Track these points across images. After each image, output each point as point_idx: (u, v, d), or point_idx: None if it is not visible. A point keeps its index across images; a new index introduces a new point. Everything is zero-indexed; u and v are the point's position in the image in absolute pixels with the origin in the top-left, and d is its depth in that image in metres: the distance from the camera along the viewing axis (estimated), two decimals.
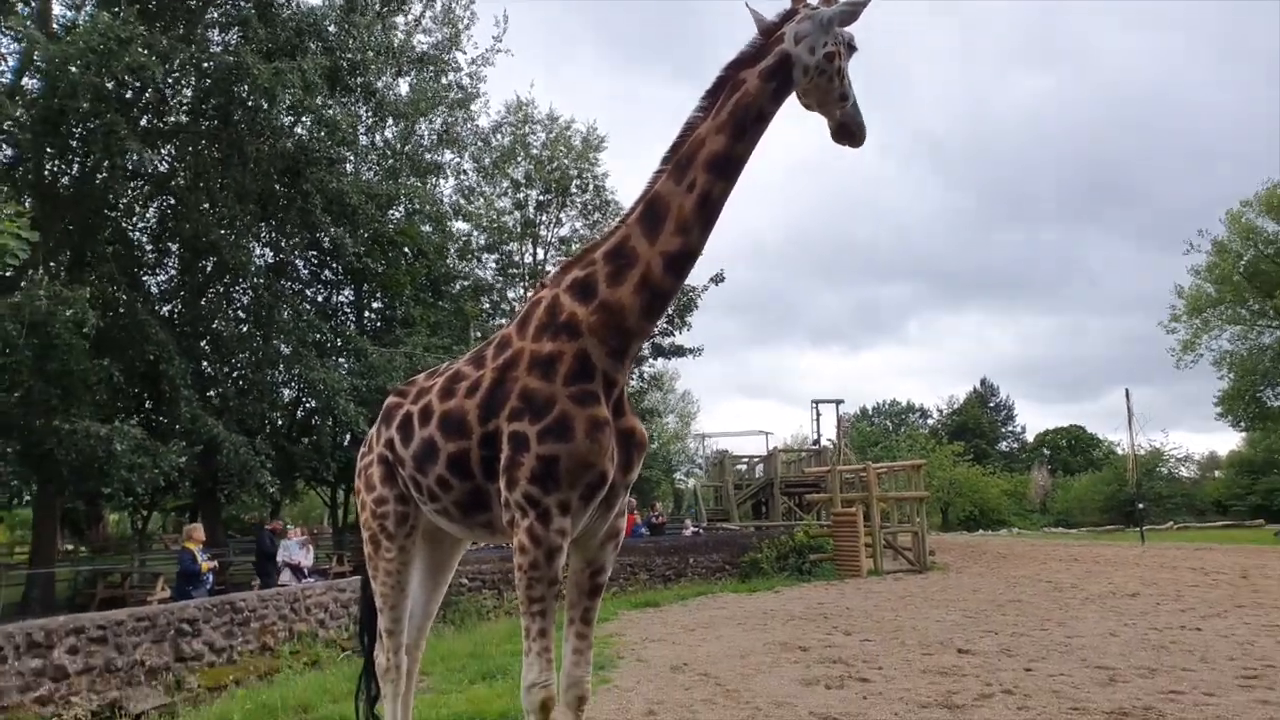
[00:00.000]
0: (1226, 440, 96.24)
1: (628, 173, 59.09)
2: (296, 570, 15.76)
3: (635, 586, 17.61)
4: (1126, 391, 38.44)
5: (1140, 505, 39.84)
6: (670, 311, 26.52)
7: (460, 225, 32.05)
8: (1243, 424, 48.57)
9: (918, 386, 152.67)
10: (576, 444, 3.76)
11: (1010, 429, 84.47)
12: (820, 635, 10.71)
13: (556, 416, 3.78)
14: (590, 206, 33.31)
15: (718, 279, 30.62)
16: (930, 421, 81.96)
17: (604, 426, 3.85)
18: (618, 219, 4.35)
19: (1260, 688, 7.31)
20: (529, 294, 28.76)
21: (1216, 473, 68.58)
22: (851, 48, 3.70)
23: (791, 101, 3.76)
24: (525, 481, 3.78)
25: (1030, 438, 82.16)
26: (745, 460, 36.21)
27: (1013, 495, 61.39)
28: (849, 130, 3.79)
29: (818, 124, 3.84)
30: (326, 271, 27.04)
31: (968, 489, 55.70)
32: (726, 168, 3.72)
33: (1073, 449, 75.62)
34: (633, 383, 29.74)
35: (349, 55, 20.99)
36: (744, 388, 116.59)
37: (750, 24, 3.88)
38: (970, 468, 57.82)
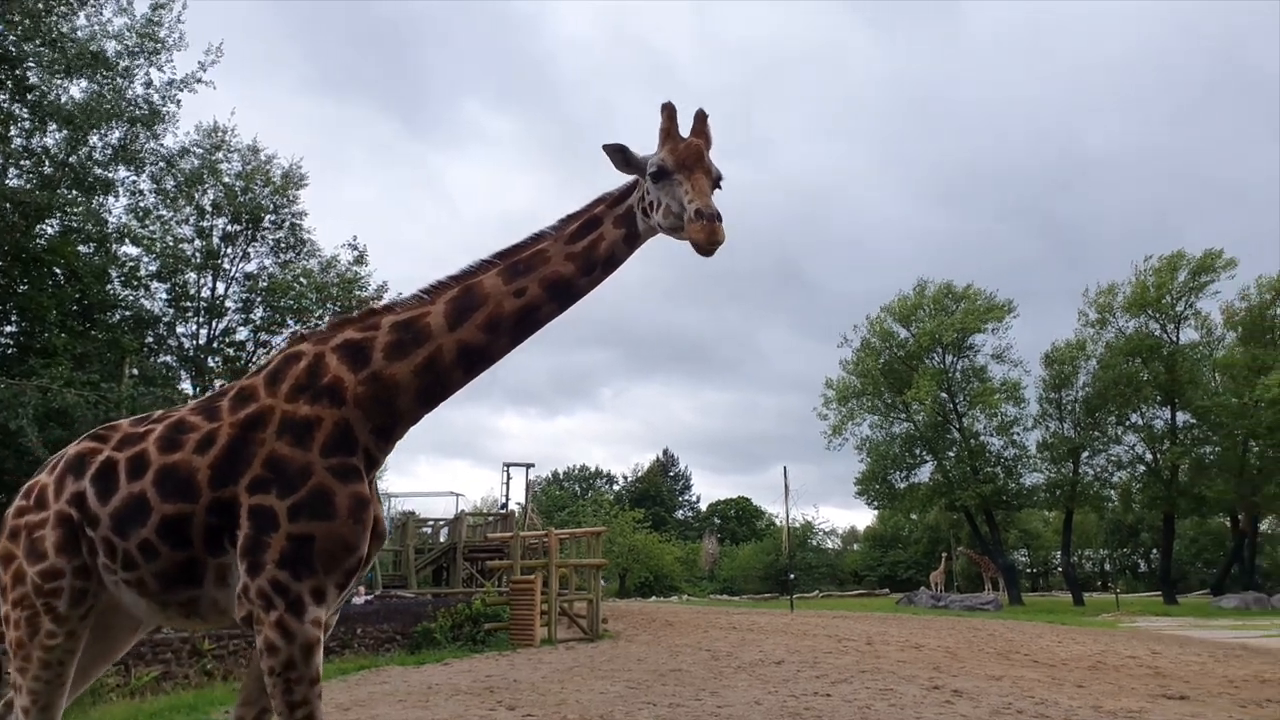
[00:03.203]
0: (864, 516, 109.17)
1: (322, 203, 56.54)
2: None
3: None
4: (785, 469, 42.52)
5: (792, 575, 43.70)
6: None
7: (129, 249, 28.75)
8: (875, 503, 55.16)
9: (607, 453, 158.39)
10: (337, 523, 3.36)
11: (687, 498, 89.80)
12: (483, 711, 10.45)
13: (312, 490, 3.37)
14: (285, 244, 31.32)
15: None
16: (616, 487, 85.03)
17: (367, 506, 3.48)
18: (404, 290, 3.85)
19: None
20: (200, 329, 25.85)
21: (855, 545, 77.30)
22: (654, 176, 3.53)
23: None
24: (273, 566, 3.31)
25: (704, 507, 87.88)
26: (430, 523, 35.23)
27: (685, 562, 64.95)
28: (696, 248, 3.39)
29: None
30: None
31: (645, 555, 58.09)
32: (564, 294, 3.66)
33: (740, 519, 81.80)
34: None
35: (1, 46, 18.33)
36: (440, 446, 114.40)
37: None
38: (648, 535, 60.45)
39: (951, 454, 48.74)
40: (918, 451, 50.22)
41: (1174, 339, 47.73)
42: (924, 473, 50.56)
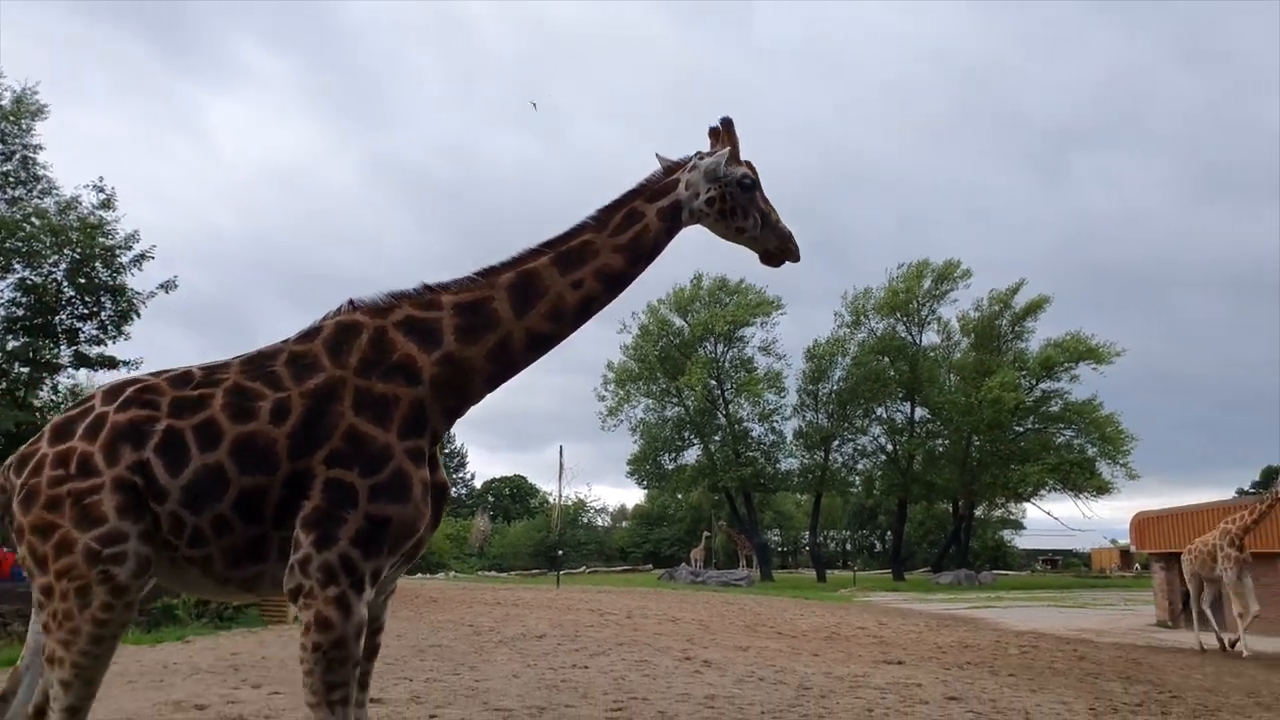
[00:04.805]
0: (635, 495, 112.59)
1: (57, 131, 50.73)
2: None
3: (4, 640, 14.62)
4: (561, 448, 43.07)
5: (560, 552, 44.31)
6: (104, 317, 23.15)
7: None
8: (645, 483, 57.05)
9: None
10: (410, 507, 3.45)
11: (461, 475, 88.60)
12: (224, 691, 9.88)
13: (393, 473, 3.44)
14: (14, 179, 27.74)
15: (169, 285, 27.45)
16: None
17: (428, 491, 3.61)
18: (456, 276, 3.92)
19: (622, 719, 8.43)
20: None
21: (624, 523, 79.45)
22: (743, 185, 3.97)
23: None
24: (347, 542, 3.33)
25: (479, 484, 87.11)
26: None
27: (455, 540, 64.14)
28: (774, 259, 4.13)
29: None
30: None
31: None
32: (616, 284, 3.93)
33: (514, 497, 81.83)
34: (48, 396, 25.18)
35: None
36: None
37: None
38: None
39: (717, 438, 51.23)
40: (686, 435, 52.38)
41: (917, 341, 52.64)
42: (691, 455, 52.91)
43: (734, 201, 3.99)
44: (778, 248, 4.10)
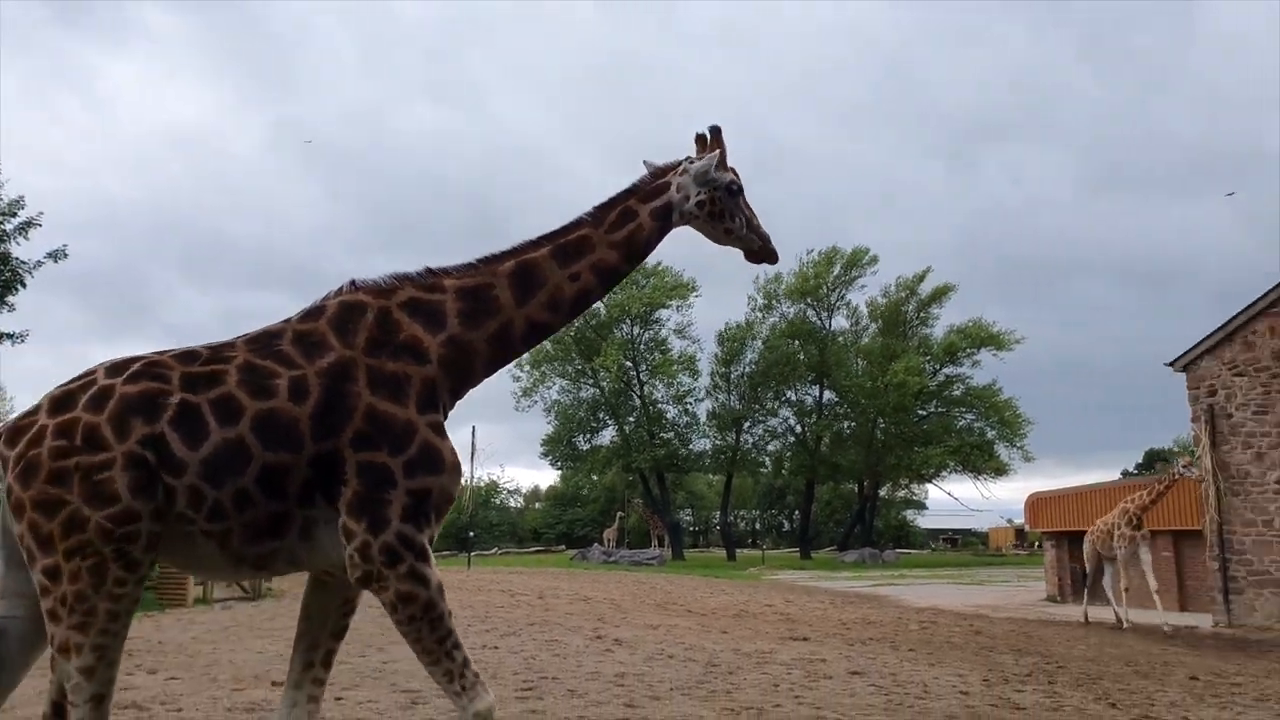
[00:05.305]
0: (549, 476, 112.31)
1: None
2: None
3: None
4: (474, 429, 42.60)
5: (471, 533, 43.98)
6: None
7: None
8: (559, 464, 56.97)
9: None
10: (445, 477, 3.59)
11: None
12: (119, 677, 9.51)
13: (422, 447, 3.55)
14: None
15: (58, 254, 26.03)
16: None
17: (457, 458, 3.71)
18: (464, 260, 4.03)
19: (532, 698, 8.43)
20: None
21: (537, 504, 79.28)
22: (730, 190, 4.18)
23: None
24: (398, 520, 3.44)
25: None
26: None
27: None
28: (758, 256, 4.38)
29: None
30: None
31: None
32: (610, 279, 4.17)
33: None
34: None
35: None
36: None
37: None
38: None
39: (631, 419, 51.48)
40: (601, 415, 52.49)
41: (827, 325, 53.78)
42: (606, 436, 53.08)
43: (722, 205, 4.21)
44: (761, 247, 4.38)
